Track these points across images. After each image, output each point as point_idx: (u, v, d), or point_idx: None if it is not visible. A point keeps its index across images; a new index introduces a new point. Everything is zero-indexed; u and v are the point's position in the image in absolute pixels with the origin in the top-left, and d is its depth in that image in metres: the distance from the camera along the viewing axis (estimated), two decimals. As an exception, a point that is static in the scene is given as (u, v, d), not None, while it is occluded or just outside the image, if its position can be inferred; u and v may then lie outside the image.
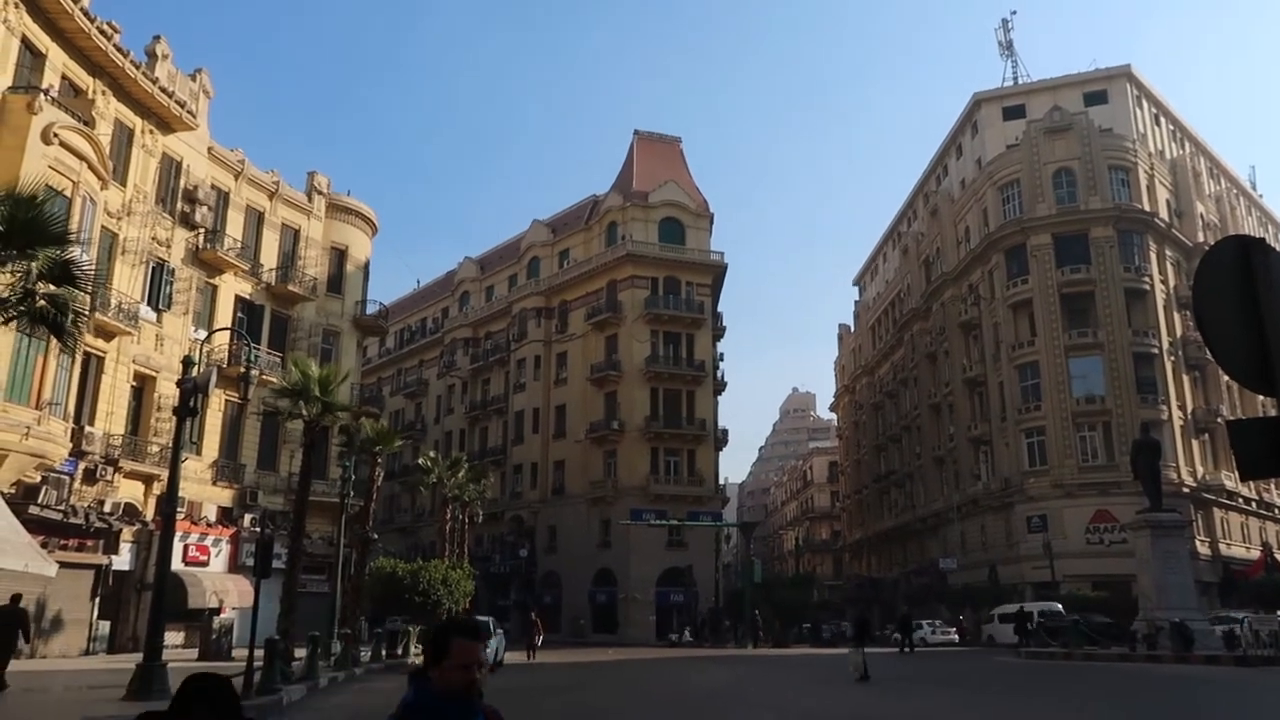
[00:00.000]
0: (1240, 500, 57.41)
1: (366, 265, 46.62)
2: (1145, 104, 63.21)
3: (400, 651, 30.26)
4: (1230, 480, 54.97)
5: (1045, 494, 52.17)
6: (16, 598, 17.05)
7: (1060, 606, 42.18)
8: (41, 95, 24.82)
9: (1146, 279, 54.93)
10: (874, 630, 27.08)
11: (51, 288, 12.28)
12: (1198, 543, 49.34)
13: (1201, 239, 59.34)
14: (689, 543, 57.09)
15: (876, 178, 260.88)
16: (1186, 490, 50.84)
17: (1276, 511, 62.08)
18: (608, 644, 47.81)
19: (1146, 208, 56.58)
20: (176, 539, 23.54)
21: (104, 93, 30.57)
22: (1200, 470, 54.02)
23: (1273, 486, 61.52)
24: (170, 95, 33.19)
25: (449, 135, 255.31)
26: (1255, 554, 54.38)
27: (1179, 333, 56.00)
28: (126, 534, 30.06)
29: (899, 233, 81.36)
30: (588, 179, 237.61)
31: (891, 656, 35.57)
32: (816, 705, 16.59)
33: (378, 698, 18.26)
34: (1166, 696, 18.29)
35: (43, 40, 27.77)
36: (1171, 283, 56.96)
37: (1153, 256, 56.05)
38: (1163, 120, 65.12)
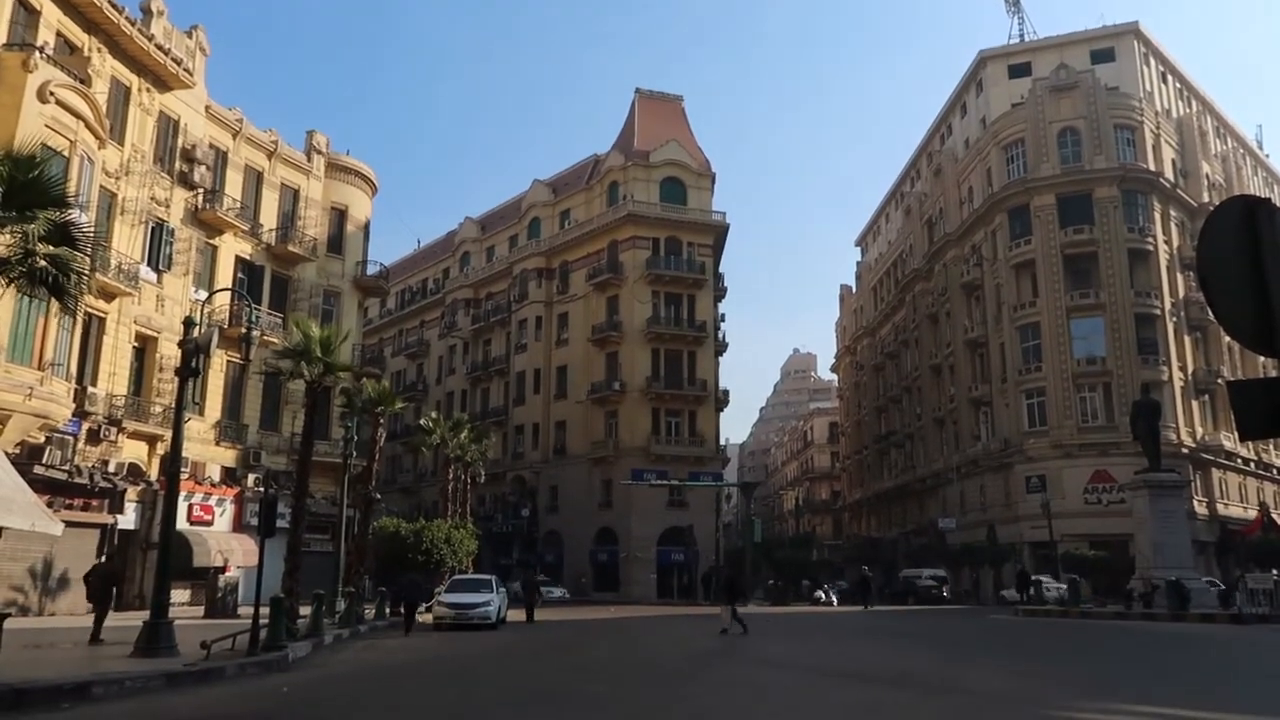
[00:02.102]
0: (1239, 461, 57.71)
1: (367, 225, 46.44)
2: (1153, 62, 62.50)
3: (404, 610, 30.49)
4: (1229, 441, 55.19)
5: (1044, 454, 52.46)
6: (110, 557, 18.68)
7: (943, 572, 53.98)
8: (37, 53, 24.55)
9: (1150, 239, 54.72)
10: (744, 590, 28.86)
11: (51, 249, 12.24)
12: (1195, 503, 49.72)
13: (1206, 199, 59.01)
14: (690, 502, 57.45)
15: (880, 137, 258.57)
16: (1185, 451, 51.10)
17: (1275, 472, 62.41)
18: (609, 602, 48.36)
19: (1152, 167, 56.21)
20: (181, 499, 23.74)
21: (99, 50, 30.25)
22: (1200, 431, 54.24)
23: (1271, 447, 61.79)
24: (166, 53, 32.84)
25: (449, 94, 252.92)
26: (1252, 514, 54.78)
27: (1181, 294, 55.94)
28: (131, 494, 30.27)
29: (902, 193, 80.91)
30: (589, 138, 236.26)
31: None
32: (816, 661, 16.83)
33: (382, 654, 18.52)
34: (1147, 653, 18.53)
35: (36, -4, 27.42)
36: (1175, 243, 56.75)
37: (1157, 217, 55.78)
38: (1170, 78, 64.41)
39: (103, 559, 18.74)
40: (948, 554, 59.09)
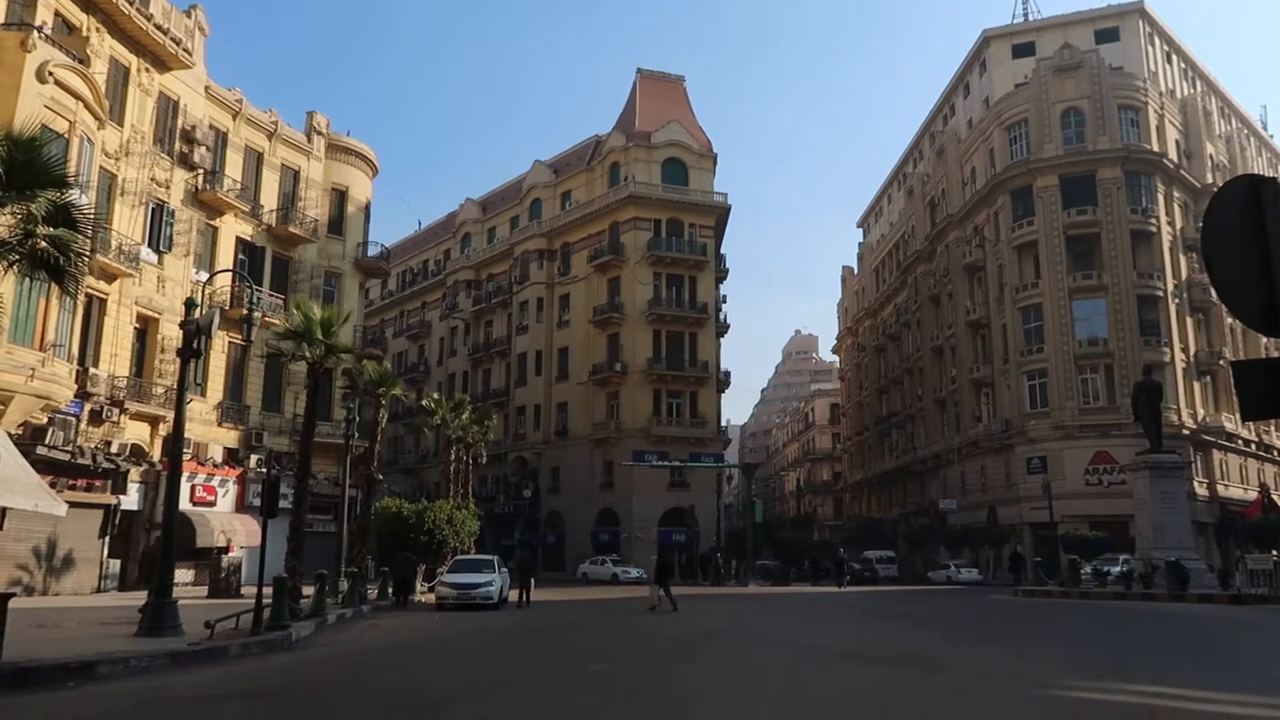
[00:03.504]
0: (1240, 442, 57.75)
1: (367, 206, 46.32)
2: (1157, 41, 62.06)
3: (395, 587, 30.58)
4: (1230, 422, 55.23)
5: (1046, 435, 52.50)
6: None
7: (891, 553, 59.83)
8: (35, 32, 24.40)
9: (1153, 220, 54.51)
10: (675, 571, 30.39)
11: (51, 230, 12.21)
12: (1196, 484, 49.80)
13: (1210, 180, 58.74)
14: (691, 483, 57.62)
15: (883, 118, 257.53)
16: (1186, 432, 51.12)
17: (1275, 453, 62.47)
18: (610, 582, 48.52)
19: (1155, 148, 55.92)
20: (183, 479, 23.76)
21: (98, 30, 30.08)
22: (1201, 412, 54.24)
23: (1273, 428, 61.84)
24: (165, 32, 32.66)
25: (450, 75, 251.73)
26: (1253, 495, 54.85)
27: (1184, 275, 55.84)
28: (134, 474, 30.35)
29: (904, 174, 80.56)
30: (590, 119, 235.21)
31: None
32: (814, 640, 16.93)
33: (384, 633, 18.62)
34: (1134, 631, 18.61)
35: (33, -25, 27.22)
36: (1178, 224, 56.55)
37: (1160, 198, 55.54)
38: (1174, 58, 63.98)
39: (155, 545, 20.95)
40: (948, 535, 59.27)
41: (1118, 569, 34.67)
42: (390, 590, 28.09)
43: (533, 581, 28.11)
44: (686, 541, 56.06)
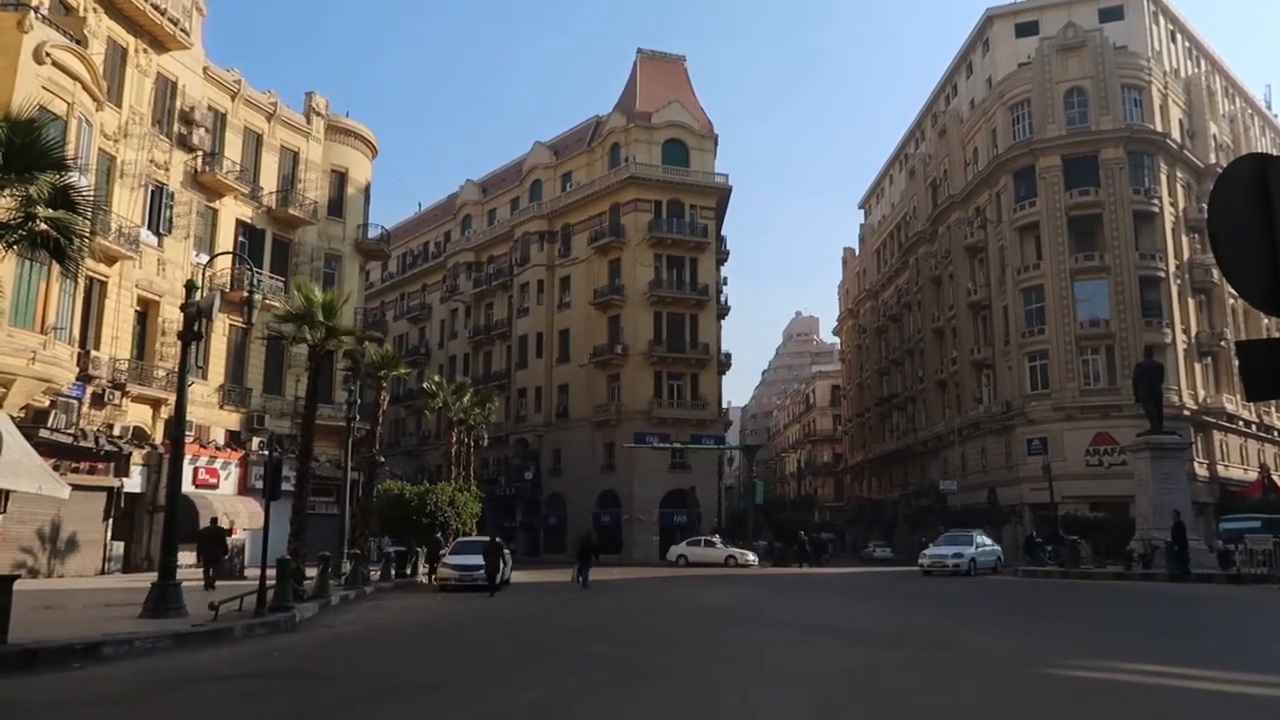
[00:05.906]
0: (1240, 423, 57.77)
1: (367, 188, 46.16)
2: (1162, 20, 61.65)
3: (409, 571, 30.84)
4: (1231, 403, 55.24)
5: (1046, 417, 52.52)
6: (214, 520, 25.54)
7: (831, 535, 67.43)
8: (32, 13, 24.22)
9: (1155, 201, 54.29)
10: (597, 552, 32.39)
11: (51, 212, 12.18)
12: (1196, 464, 49.86)
13: (1214, 160, 58.50)
14: (692, 465, 57.74)
15: (885, 98, 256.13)
16: (1187, 413, 51.14)
17: (1275, 434, 62.51)
18: (612, 564, 48.69)
19: (1159, 128, 55.61)
20: (186, 462, 23.73)
21: (95, 10, 29.88)
22: (1202, 393, 54.24)
23: (1273, 409, 61.85)
24: (162, 12, 32.43)
25: (449, 54, 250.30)
26: (1253, 475, 54.94)
27: (1186, 256, 55.68)
28: (137, 457, 30.41)
29: (906, 154, 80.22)
30: (590, 100, 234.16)
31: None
32: (813, 621, 17.02)
33: (387, 614, 18.72)
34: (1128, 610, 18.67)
35: (29, -45, 26.97)
36: (1181, 205, 56.32)
37: (1163, 178, 55.30)
38: (1179, 37, 63.57)
39: (211, 524, 26.07)
40: (948, 516, 59.35)
41: (952, 553, 34.84)
42: (421, 567, 30.55)
43: (503, 568, 28.49)
44: (688, 523, 56.22)
